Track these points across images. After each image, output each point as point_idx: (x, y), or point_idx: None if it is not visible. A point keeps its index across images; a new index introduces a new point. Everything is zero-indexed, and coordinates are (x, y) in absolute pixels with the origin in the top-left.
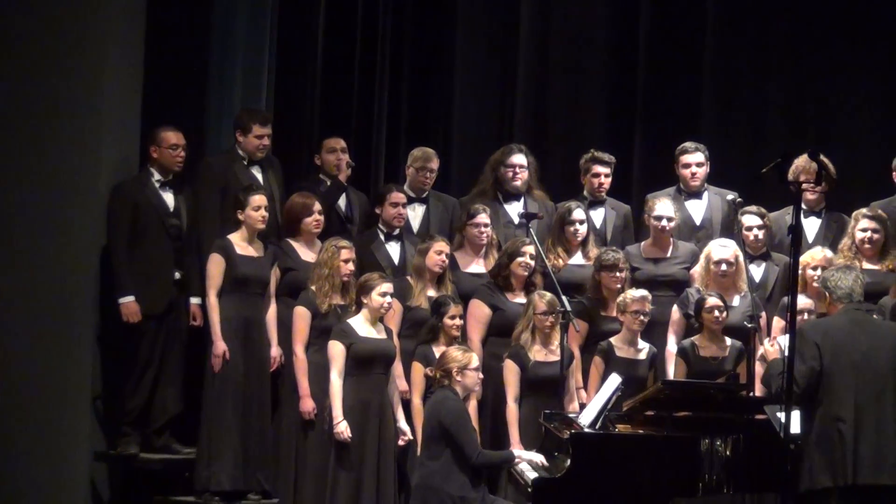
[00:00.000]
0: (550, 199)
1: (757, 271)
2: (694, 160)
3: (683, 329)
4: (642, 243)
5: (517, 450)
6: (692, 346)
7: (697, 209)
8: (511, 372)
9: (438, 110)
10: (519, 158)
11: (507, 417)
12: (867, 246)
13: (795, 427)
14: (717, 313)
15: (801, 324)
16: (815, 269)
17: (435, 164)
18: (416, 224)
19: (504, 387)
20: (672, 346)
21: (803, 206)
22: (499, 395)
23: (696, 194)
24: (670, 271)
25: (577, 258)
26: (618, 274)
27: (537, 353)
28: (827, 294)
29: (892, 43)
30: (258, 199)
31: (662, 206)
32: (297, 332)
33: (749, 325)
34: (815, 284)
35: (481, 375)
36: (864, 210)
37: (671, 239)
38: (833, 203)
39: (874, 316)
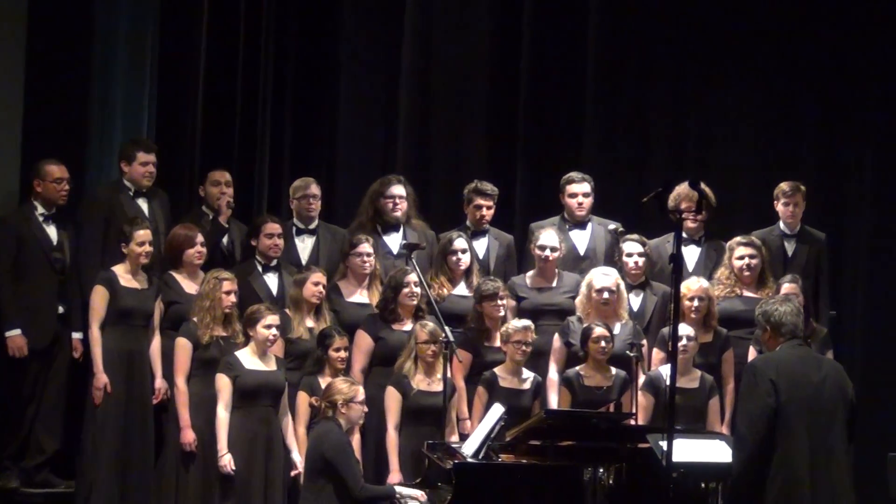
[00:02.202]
0: (430, 228)
1: (635, 300)
2: (580, 190)
3: (565, 357)
4: (528, 273)
5: (398, 486)
6: (577, 376)
7: (582, 239)
8: (392, 399)
9: (322, 141)
10: (398, 189)
11: (387, 445)
12: (746, 273)
13: (677, 455)
14: (603, 343)
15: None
16: (691, 299)
17: (315, 189)
18: (305, 255)
19: (385, 414)
20: (554, 375)
21: (683, 234)
22: (382, 424)
23: (581, 224)
24: (556, 301)
25: (461, 289)
26: (498, 303)
27: (420, 383)
28: (768, 328)
29: (771, 75)
30: (142, 235)
31: (547, 237)
32: (178, 364)
33: (631, 354)
34: (692, 315)
35: (366, 409)
36: (738, 238)
37: (556, 269)
38: (713, 231)
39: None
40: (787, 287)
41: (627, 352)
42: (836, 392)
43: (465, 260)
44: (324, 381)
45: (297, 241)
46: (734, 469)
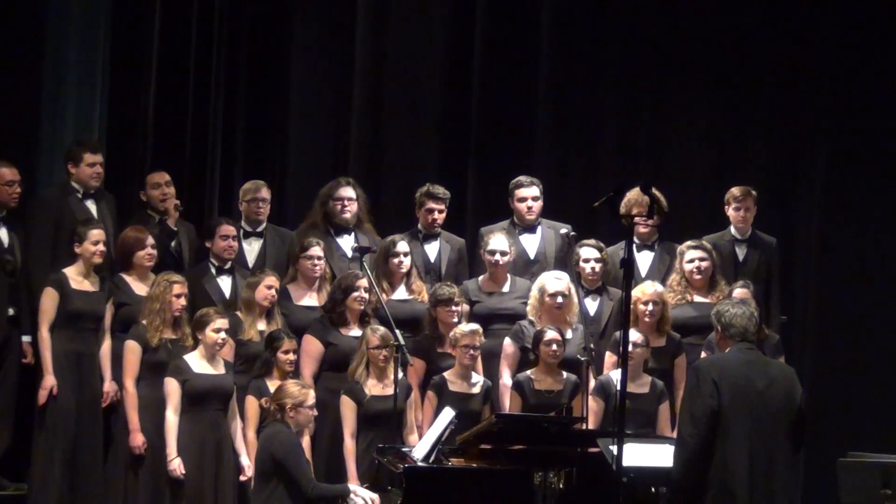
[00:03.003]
0: (378, 234)
1: (592, 305)
2: (529, 194)
3: (517, 361)
4: (480, 277)
5: (352, 485)
6: (528, 380)
7: (532, 243)
8: (347, 408)
9: (273, 143)
10: (347, 192)
11: (345, 453)
12: (697, 277)
13: (627, 460)
14: (555, 347)
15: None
16: (646, 303)
17: (266, 193)
18: (251, 258)
19: (341, 422)
20: (507, 379)
21: (636, 239)
22: (335, 430)
23: (531, 228)
24: (509, 305)
25: (401, 292)
26: (453, 308)
27: (373, 388)
28: (718, 328)
29: (722, 80)
30: (97, 234)
31: (496, 241)
32: (128, 367)
33: (583, 358)
34: (646, 319)
35: (315, 413)
36: (689, 242)
37: (507, 273)
38: (666, 236)
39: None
40: (738, 292)
41: (579, 356)
42: (782, 398)
43: (406, 263)
44: (272, 384)
45: (245, 243)
46: (675, 470)
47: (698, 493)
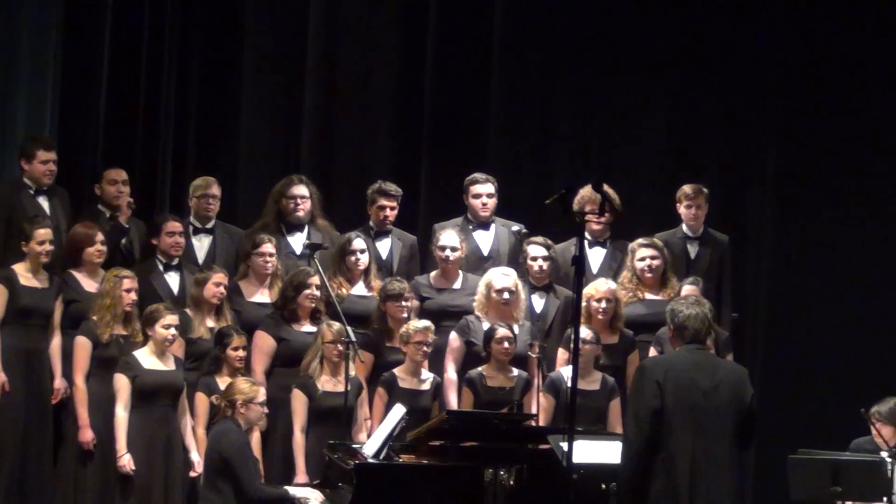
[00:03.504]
0: (335, 229)
1: (538, 302)
2: (484, 191)
3: (462, 356)
4: (432, 274)
5: (301, 484)
6: (479, 377)
7: (485, 240)
8: (298, 401)
9: (225, 140)
10: (300, 189)
11: (294, 447)
12: (648, 275)
13: (578, 457)
14: (506, 344)
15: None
16: (599, 300)
17: (216, 190)
18: (201, 255)
19: (292, 416)
20: (451, 374)
21: (588, 236)
22: (288, 426)
23: (485, 225)
24: (460, 302)
25: (360, 288)
26: (403, 303)
27: (325, 383)
28: (672, 327)
29: (674, 78)
30: (43, 234)
31: (447, 237)
32: (77, 363)
33: (534, 355)
34: (599, 317)
35: (266, 410)
36: (640, 240)
37: (459, 270)
38: (618, 233)
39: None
40: (687, 289)
41: (529, 353)
42: (728, 399)
43: (364, 260)
44: (221, 381)
45: (194, 240)
46: (620, 469)
47: (644, 490)
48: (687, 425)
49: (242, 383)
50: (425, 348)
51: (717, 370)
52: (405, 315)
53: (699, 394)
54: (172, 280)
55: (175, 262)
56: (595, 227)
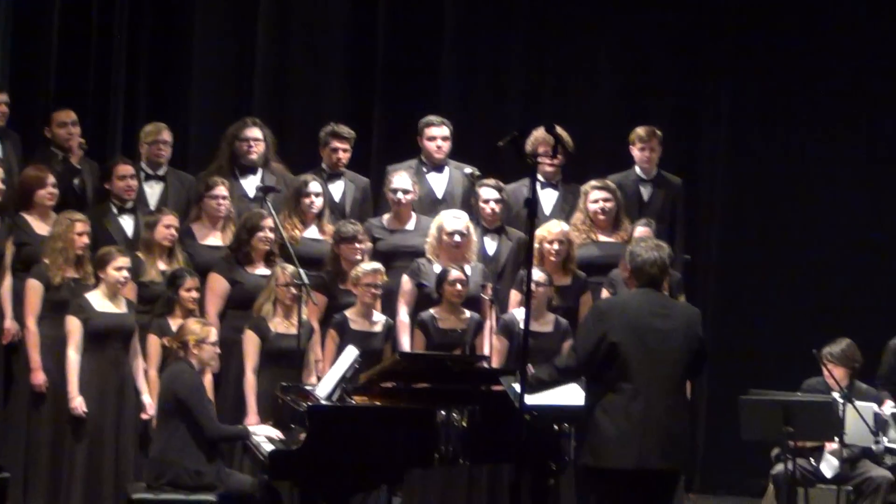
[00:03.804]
0: (289, 171)
1: (490, 244)
2: (439, 133)
3: (414, 299)
4: (384, 216)
5: (252, 425)
6: (431, 318)
7: (439, 183)
8: (251, 342)
9: (177, 83)
10: (254, 132)
11: (245, 387)
12: (601, 217)
13: (530, 398)
14: (458, 286)
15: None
16: (551, 242)
17: (167, 136)
18: (153, 201)
19: (244, 357)
20: (404, 316)
21: (540, 178)
22: (241, 368)
23: (438, 168)
24: (412, 243)
25: (313, 231)
26: (357, 246)
27: (278, 325)
28: (629, 268)
29: (627, 20)
30: None
31: (400, 179)
32: (29, 306)
33: (486, 297)
34: (552, 258)
35: (218, 350)
36: (593, 182)
37: (412, 212)
38: (570, 175)
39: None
40: (640, 231)
41: (482, 294)
42: (682, 342)
43: (318, 203)
44: (174, 323)
45: (146, 186)
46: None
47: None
48: (641, 367)
49: (194, 324)
50: (374, 290)
51: (670, 313)
52: (359, 257)
53: (653, 335)
54: (127, 223)
55: (129, 205)
56: (547, 168)
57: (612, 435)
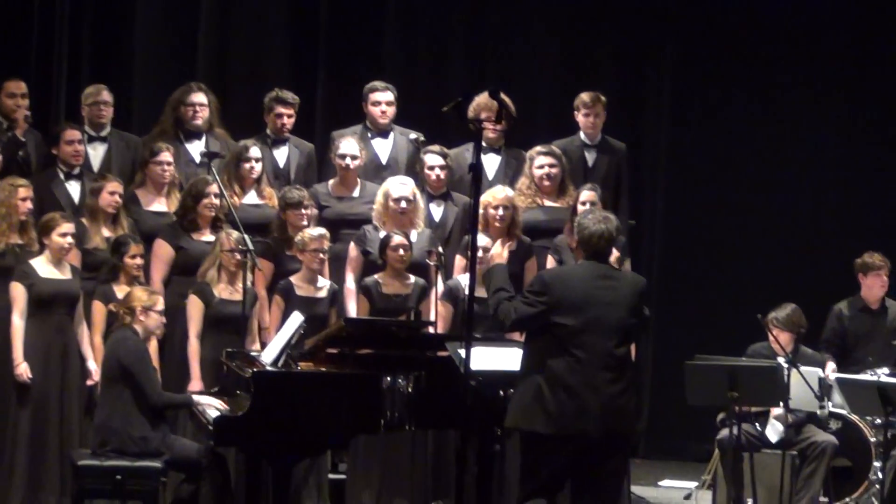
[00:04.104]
0: (232, 137)
1: (436, 210)
2: (384, 98)
3: (361, 266)
4: (330, 182)
5: (196, 390)
6: (375, 284)
7: (384, 148)
8: (195, 307)
9: (120, 48)
10: (198, 97)
11: (189, 353)
12: (546, 182)
13: (475, 363)
14: (402, 252)
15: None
16: (496, 208)
17: (107, 96)
18: (96, 163)
19: (187, 322)
20: (350, 284)
21: (482, 143)
22: (185, 333)
23: (383, 133)
24: (358, 210)
25: (252, 197)
26: (303, 211)
27: (222, 291)
28: (577, 240)
29: None
30: None
31: (347, 145)
32: None
33: (431, 263)
34: (497, 224)
35: (164, 319)
36: (538, 148)
37: (358, 178)
38: (513, 141)
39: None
40: (585, 195)
41: (427, 260)
42: (623, 313)
43: (258, 169)
44: (118, 290)
45: (90, 148)
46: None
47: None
48: (584, 338)
49: (141, 291)
50: (321, 255)
51: (615, 285)
52: (305, 223)
53: (597, 306)
54: (73, 189)
55: (76, 171)
56: (490, 134)
57: (561, 407)
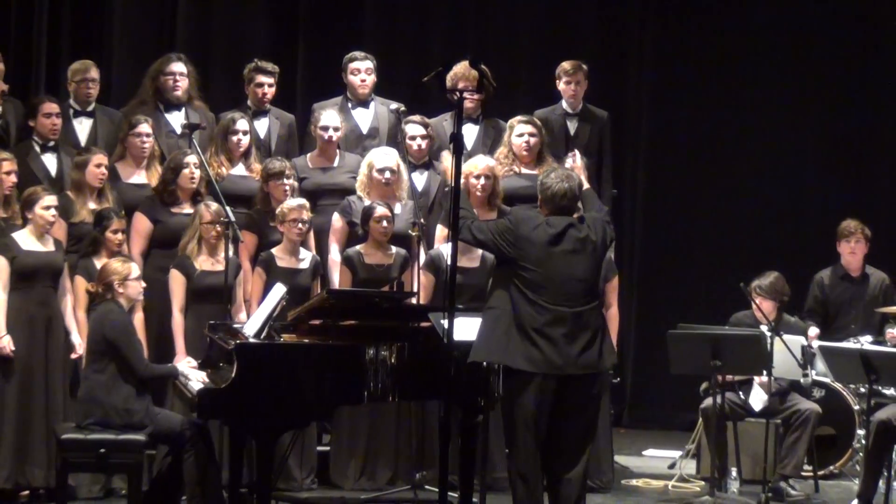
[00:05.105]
0: (210, 109)
1: (419, 179)
2: (363, 67)
3: (346, 237)
4: (309, 154)
5: (182, 366)
6: (357, 255)
7: (364, 118)
8: (176, 281)
9: (99, 20)
10: (178, 67)
11: (173, 327)
12: (525, 152)
13: (458, 334)
14: (384, 223)
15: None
16: (477, 177)
17: (94, 73)
18: (83, 137)
19: (170, 297)
20: (335, 255)
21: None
22: (165, 306)
23: (364, 104)
24: (338, 180)
25: (240, 169)
26: (285, 181)
27: (203, 263)
28: (541, 198)
29: None
30: None
31: (328, 116)
32: None
33: (413, 233)
34: (478, 193)
35: (144, 284)
36: (519, 117)
37: (338, 149)
38: (492, 111)
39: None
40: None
41: (409, 231)
42: (589, 260)
43: (245, 141)
44: (100, 263)
45: (75, 122)
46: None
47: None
48: (551, 287)
49: (114, 263)
50: (301, 226)
51: (579, 234)
52: (287, 194)
53: (557, 258)
54: (50, 161)
55: (51, 143)
56: (468, 104)
57: (523, 348)
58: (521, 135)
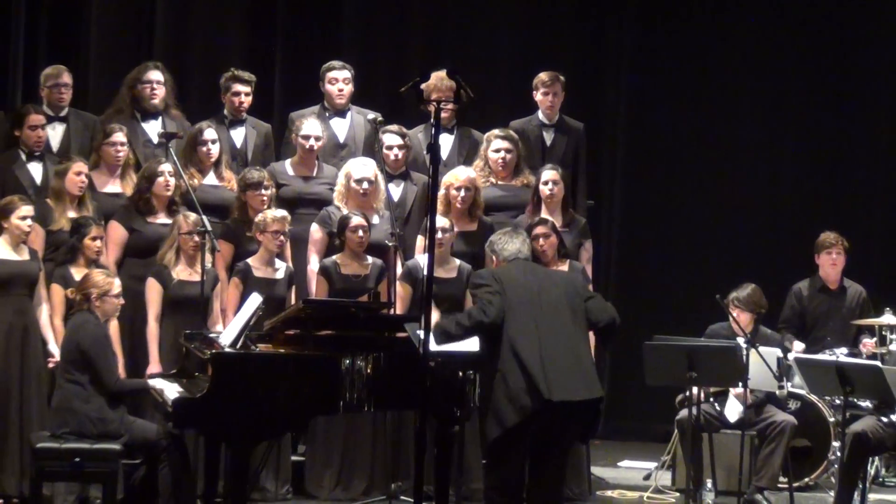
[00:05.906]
0: (187, 118)
1: (396, 190)
2: (341, 76)
3: (325, 247)
4: (288, 161)
5: (153, 380)
6: (334, 265)
7: (342, 128)
8: (153, 290)
9: (76, 27)
10: (155, 75)
11: (148, 336)
12: (501, 168)
13: (434, 345)
14: (361, 233)
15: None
16: (458, 189)
17: (67, 78)
18: (55, 143)
19: (146, 305)
20: (314, 265)
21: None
22: (140, 316)
23: (341, 113)
24: (317, 190)
25: (211, 179)
26: (262, 192)
27: (181, 273)
28: (494, 257)
29: None
30: None
31: (310, 126)
32: None
33: (390, 244)
34: (458, 205)
35: (122, 302)
36: (496, 131)
37: (316, 158)
38: (469, 120)
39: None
40: (547, 175)
41: (387, 241)
42: (562, 292)
43: (215, 151)
44: (77, 271)
45: (49, 128)
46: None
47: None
48: (528, 320)
49: (97, 276)
50: (282, 237)
51: (546, 273)
52: (265, 204)
53: (532, 291)
54: (35, 170)
55: (37, 152)
56: (444, 114)
57: (516, 389)
58: (497, 150)
